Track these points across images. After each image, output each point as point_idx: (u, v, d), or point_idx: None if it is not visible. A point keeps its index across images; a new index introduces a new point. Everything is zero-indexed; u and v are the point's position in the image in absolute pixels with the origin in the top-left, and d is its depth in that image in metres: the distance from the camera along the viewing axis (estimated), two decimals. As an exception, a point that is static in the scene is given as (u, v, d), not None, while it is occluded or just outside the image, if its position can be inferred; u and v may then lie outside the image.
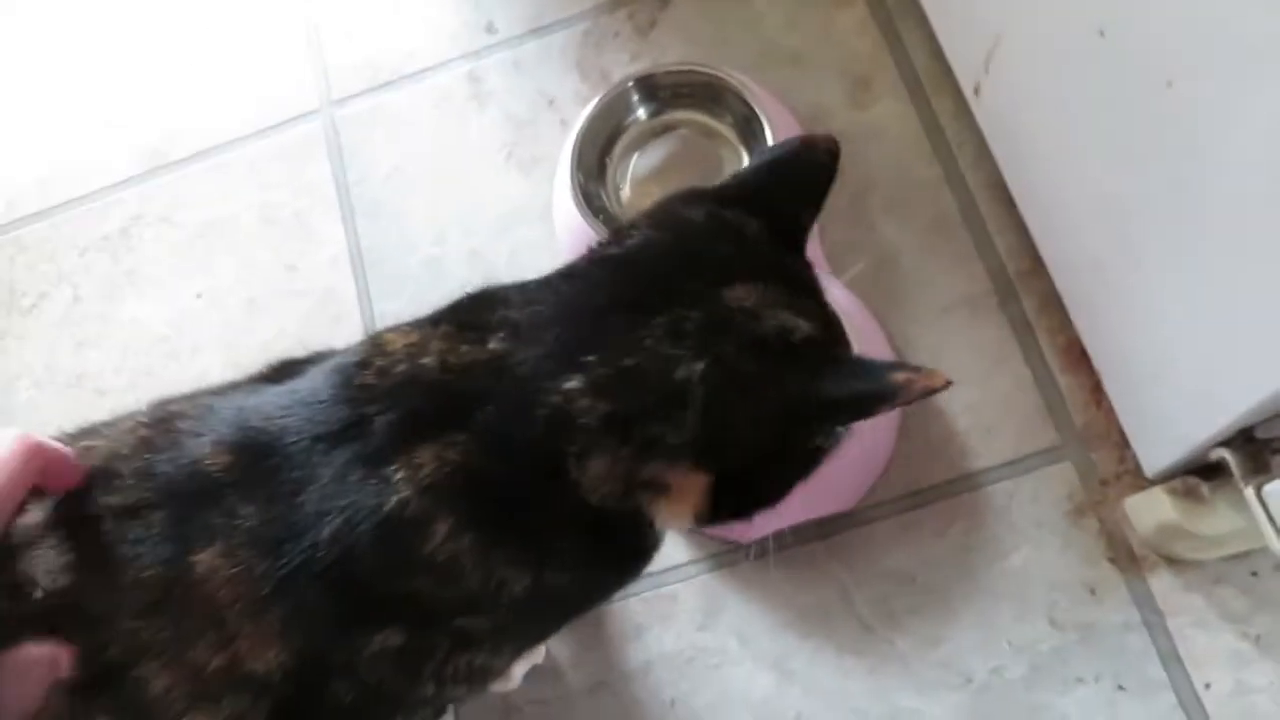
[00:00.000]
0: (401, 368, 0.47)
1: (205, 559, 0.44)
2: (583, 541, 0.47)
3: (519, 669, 0.74)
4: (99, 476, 0.47)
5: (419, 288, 0.90)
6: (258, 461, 0.46)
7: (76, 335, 0.95)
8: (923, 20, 0.86)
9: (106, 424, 0.52)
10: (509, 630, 0.51)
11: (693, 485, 0.45)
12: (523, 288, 0.50)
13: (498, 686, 0.74)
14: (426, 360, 0.46)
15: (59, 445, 0.47)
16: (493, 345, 0.46)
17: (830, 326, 0.47)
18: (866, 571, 0.77)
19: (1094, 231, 0.70)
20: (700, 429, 0.43)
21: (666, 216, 0.48)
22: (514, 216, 0.91)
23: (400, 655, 0.47)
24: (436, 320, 0.50)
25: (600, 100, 0.84)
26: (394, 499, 0.44)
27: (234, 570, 0.44)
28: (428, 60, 0.98)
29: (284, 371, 0.53)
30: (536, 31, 0.96)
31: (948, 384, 0.42)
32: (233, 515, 0.45)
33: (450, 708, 0.75)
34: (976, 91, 0.80)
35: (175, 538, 0.45)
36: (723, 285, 0.45)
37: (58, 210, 1.00)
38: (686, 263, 0.46)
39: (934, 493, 0.78)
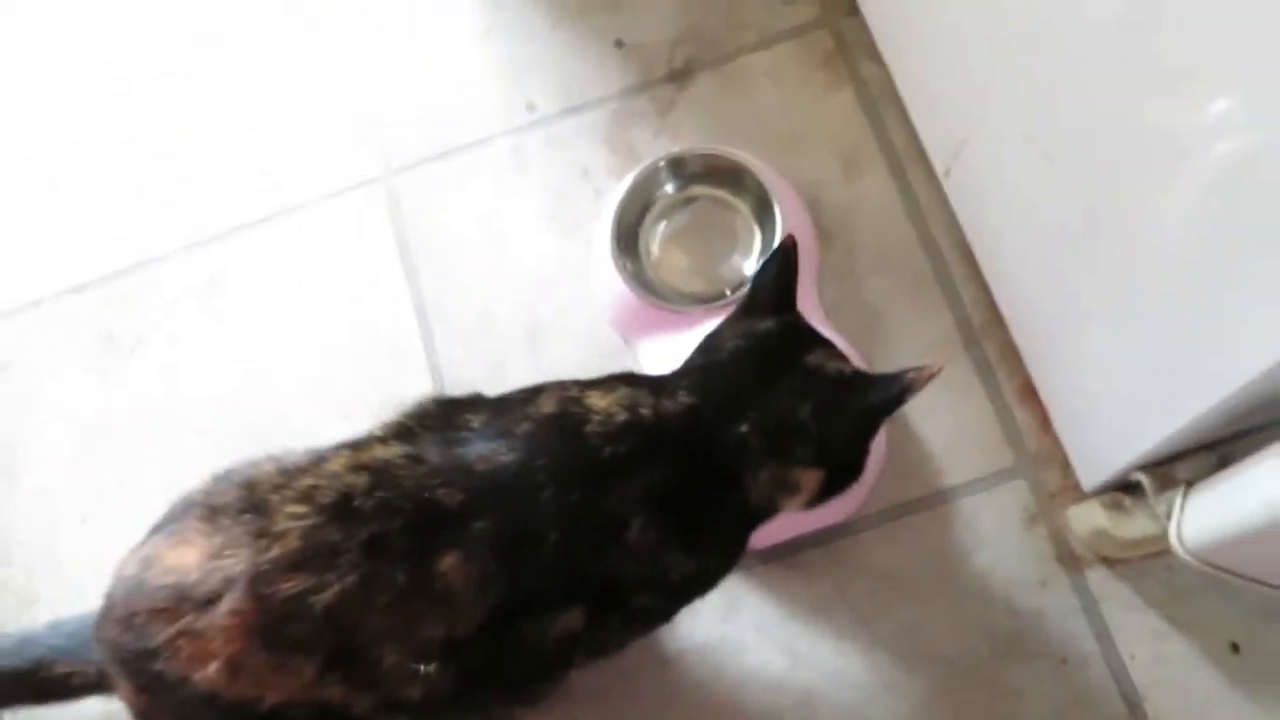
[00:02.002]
0: (623, 417, 0.67)
1: (449, 560, 0.62)
2: (734, 532, 0.72)
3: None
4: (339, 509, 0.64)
5: (475, 338, 1.05)
6: (489, 495, 0.64)
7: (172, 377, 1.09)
8: (903, 110, 1.02)
9: (308, 466, 0.67)
10: (659, 609, 0.75)
11: (812, 481, 0.70)
12: (656, 376, 0.72)
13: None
14: (644, 411, 0.67)
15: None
16: (682, 399, 0.68)
17: (848, 360, 0.73)
18: (858, 571, 0.93)
19: (1044, 296, 0.87)
20: (818, 443, 0.68)
21: (747, 331, 0.72)
22: (554, 277, 1.05)
23: (584, 632, 0.67)
24: (629, 381, 0.71)
25: (635, 176, 0.99)
26: (609, 512, 0.65)
27: (469, 565, 0.62)
28: (475, 135, 1.12)
29: (449, 415, 0.69)
30: (571, 110, 1.11)
31: (941, 369, 0.66)
32: (467, 530, 0.63)
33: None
34: (947, 174, 0.97)
35: (417, 550, 0.62)
36: (802, 356, 0.70)
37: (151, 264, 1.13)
38: (778, 350, 0.71)
39: (913, 506, 0.95)
